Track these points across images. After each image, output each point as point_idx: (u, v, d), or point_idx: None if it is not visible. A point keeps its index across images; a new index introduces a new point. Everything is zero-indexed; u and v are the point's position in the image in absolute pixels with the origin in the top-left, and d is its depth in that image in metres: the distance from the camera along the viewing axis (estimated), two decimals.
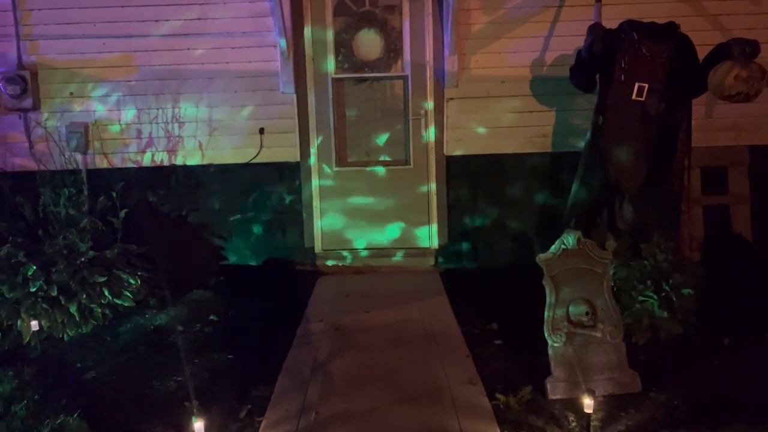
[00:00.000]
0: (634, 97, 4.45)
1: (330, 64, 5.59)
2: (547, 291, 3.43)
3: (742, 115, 5.27)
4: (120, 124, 5.52)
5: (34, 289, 4.10)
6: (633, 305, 3.77)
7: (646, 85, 4.43)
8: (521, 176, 5.55)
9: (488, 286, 5.03)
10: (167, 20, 5.40)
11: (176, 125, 5.51)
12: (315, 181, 5.67)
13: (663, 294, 3.80)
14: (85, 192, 4.95)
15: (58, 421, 3.00)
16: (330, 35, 5.55)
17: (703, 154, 5.13)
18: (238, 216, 5.66)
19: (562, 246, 3.43)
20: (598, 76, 4.70)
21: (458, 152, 5.55)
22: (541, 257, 3.44)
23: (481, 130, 5.51)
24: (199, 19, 5.40)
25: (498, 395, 3.31)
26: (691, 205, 4.97)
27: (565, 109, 5.43)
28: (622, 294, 3.76)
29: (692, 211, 5.02)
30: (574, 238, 3.43)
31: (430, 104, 5.58)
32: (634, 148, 4.52)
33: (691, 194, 4.89)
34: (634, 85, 4.44)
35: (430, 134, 5.59)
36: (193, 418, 2.81)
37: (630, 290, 3.81)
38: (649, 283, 3.82)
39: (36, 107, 5.41)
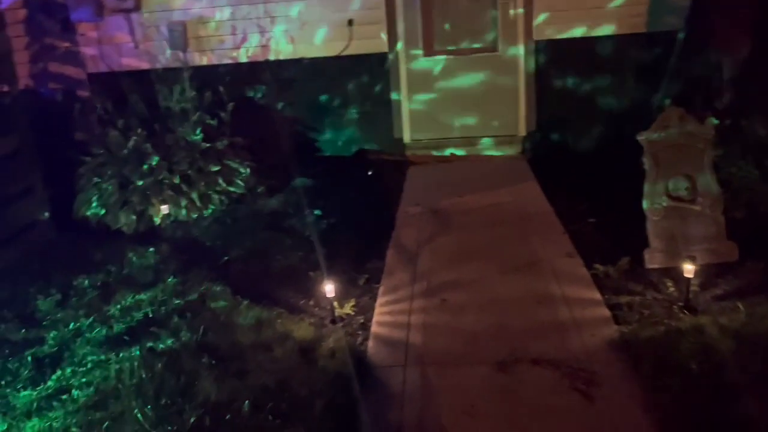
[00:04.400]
0: None
1: None
2: (647, 167, 3.52)
3: None
4: (215, 22, 5.70)
5: (160, 178, 4.50)
6: (733, 180, 3.81)
7: None
8: (613, 59, 5.43)
9: (577, 171, 5.08)
10: None
11: (268, 21, 5.65)
12: (403, 72, 5.75)
13: (763, 169, 3.81)
14: (189, 88, 5.24)
15: (203, 288, 3.43)
16: None
17: None
18: (329, 108, 5.86)
19: (663, 123, 3.48)
20: None
21: (547, 36, 5.48)
22: (642, 135, 3.51)
23: (572, 12, 5.38)
24: None
25: (596, 266, 3.51)
26: None
27: None
28: (721, 169, 3.77)
29: None
30: (675, 114, 3.47)
31: None
32: (738, 24, 4.38)
33: None
34: None
35: (519, 19, 5.51)
36: (326, 281, 3.17)
37: (730, 166, 3.84)
38: (749, 158, 3.84)
39: (137, 8, 5.64)
